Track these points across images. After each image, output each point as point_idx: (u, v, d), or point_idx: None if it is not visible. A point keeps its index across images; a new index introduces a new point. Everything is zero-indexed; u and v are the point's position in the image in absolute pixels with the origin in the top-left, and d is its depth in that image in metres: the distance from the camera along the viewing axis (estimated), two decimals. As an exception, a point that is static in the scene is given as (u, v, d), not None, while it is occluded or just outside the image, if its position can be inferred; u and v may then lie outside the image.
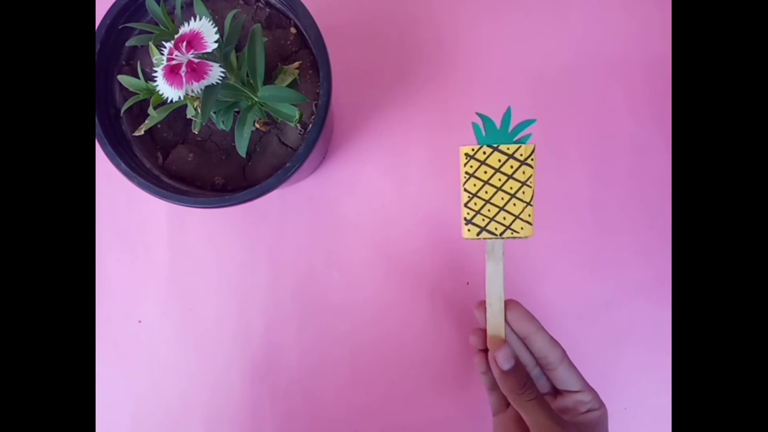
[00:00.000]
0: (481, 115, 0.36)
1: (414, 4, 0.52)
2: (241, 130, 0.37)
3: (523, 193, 0.36)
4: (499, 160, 0.36)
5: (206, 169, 0.41)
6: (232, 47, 0.35)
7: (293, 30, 0.41)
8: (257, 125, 0.40)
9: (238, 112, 0.37)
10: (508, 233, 0.37)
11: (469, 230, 0.37)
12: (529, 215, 0.37)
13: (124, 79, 0.37)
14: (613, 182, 0.51)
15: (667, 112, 0.51)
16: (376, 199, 0.52)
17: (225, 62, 0.34)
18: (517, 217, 0.37)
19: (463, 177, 0.38)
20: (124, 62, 0.41)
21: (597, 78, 0.51)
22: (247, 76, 0.36)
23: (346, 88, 0.52)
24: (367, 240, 0.51)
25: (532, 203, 0.37)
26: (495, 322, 0.40)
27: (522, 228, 0.37)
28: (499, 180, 0.36)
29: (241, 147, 0.37)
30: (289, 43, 0.41)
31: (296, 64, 0.40)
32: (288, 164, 0.37)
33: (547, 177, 0.51)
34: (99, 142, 0.38)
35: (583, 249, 0.51)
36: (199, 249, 0.52)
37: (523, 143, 0.36)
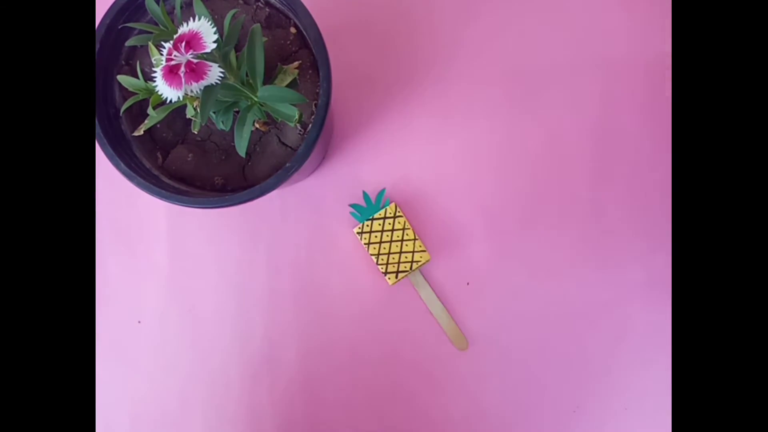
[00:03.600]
0: (353, 205, 0.50)
1: (414, 3, 0.52)
2: (240, 130, 0.37)
3: (407, 234, 0.50)
4: (379, 224, 0.50)
5: (206, 169, 0.41)
6: (231, 47, 0.35)
7: (293, 30, 0.41)
8: (257, 125, 0.40)
9: (237, 112, 0.37)
10: (415, 266, 0.49)
11: (389, 278, 0.49)
12: (420, 246, 0.50)
13: (124, 79, 0.37)
14: (613, 182, 0.51)
15: (667, 112, 0.51)
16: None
17: (224, 62, 0.34)
18: (413, 252, 0.49)
19: (365, 247, 0.50)
20: (123, 62, 0.41)
21: (597, 78, 0.51)
22: (247, 76, 0.36)
23: (345, 87, 0.52)
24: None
25: (417, 237, 0.50)
26: (450, 328, 0.50)
27: (421, 257, 0.49)
28: (387, 236, 0.49)
29: (241, 147, 0.37)
30: (288, 42, 0.41)
31: (296, 63, 0.40)
32: (288, 164, 0.37)
33: (547, 177, 0.51)
34: (99, 143, 0.38)
35: (583, 249, 0.51)
36: (198, 249, 0.52)
37: (387, 206, 0.50)
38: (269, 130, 0.41)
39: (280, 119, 0.38)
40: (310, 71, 0.41)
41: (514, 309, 0.51)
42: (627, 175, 0.51)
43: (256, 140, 0.41)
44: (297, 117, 0.37)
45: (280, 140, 0.41)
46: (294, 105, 0.37)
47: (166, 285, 0.52)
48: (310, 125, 0.38)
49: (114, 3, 0.38)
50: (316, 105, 0.39)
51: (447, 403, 0.50)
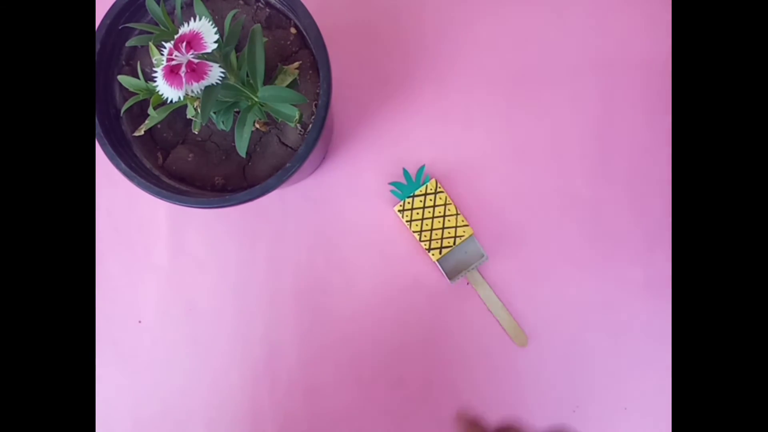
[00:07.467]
0: (393, 183, 0.50)
1: (414, 3, 0.52)
2: (241, 131, 0.37)
3: (449, 210, 0.49)
4: (420, 201, 0.49)
5: (206, 169, 0.41)
6: (232, 47, 0.35)
7: (293, 30, 0.41)
8: (257, 125, 0.40)
9: (238, 113, 0.37)
10: (458, 241, 0.49)
11: (433, 254, 0.49)
12: (463, 220, 0.49)
13: (125, 80, 0.37)
14: (612, 182, 0.51)
15: (667, 112, 0.51)
16: (376, 199, 0.52)
17: (225, 62, 0.34)
18: (455, 227, 0.49)
19: (407, 224, 0.50)
20: (124, 62, 0.41)
21: (597, 78, 0.51)
22: (247, 76, 0.36)
23: (346, 88, 0.52)
24: (367, 240, 0.51)
25: (459, 213, 0.49)
26: (510, 325, 0.50)
27: (464, 231, 0.49)
28: (429, 212, 0.49)
29: (241, 147, 0.37)
30: (289, 43, 0.41)
31: (296, 64, 0.40)
32: (288, 164, 0.37)
33: (548, 177, 0.51)
34: (99, 143, 0.38)
35: (583, 249, 0.51)
36: (199, 249, 0.52)
37: (427, 183, 0.49)
38: (269, 131, 0.41)
39: (280, 119, 0.38)
40: (310, 71, 0.41)
41: (510, 309, 0.51)
42: (627, 175, 0.51)
43: (257, 140, 0.41)
44: (297, 117, 0.37)
45: (280, 140, 0.41)
46: (294, 105, 0.37)
47: (166, 285, 0.52)
48: (311, 125, 0.38)
49: (114, 3, 0.38)
50: (316, 105, 0.39)
51: (446, 401, 0.51)
